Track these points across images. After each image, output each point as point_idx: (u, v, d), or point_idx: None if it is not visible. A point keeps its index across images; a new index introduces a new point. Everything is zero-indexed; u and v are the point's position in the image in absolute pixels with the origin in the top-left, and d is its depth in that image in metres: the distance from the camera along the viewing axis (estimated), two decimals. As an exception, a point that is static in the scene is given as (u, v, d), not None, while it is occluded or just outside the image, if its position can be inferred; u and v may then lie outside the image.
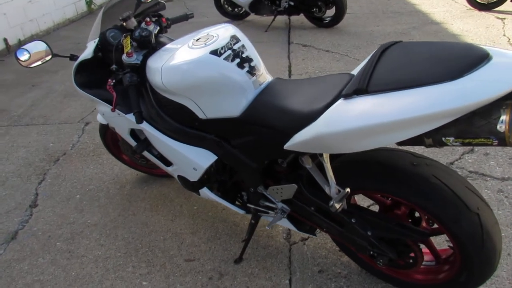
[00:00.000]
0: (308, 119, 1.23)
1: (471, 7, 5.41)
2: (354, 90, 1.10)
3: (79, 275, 1.83)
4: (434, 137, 1.03)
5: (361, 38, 4.76)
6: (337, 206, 1.31)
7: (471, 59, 0.97)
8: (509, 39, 4.29)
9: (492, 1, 5.20)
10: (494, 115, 0.93)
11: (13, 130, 3.27)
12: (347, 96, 1.11)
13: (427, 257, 1.52)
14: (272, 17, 5.35)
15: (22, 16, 5.72)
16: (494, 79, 0.92)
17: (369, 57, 1.20)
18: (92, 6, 7.43)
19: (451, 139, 1.00)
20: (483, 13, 5.23)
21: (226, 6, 5.90)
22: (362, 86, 1.08)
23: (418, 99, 0.98)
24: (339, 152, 1.17)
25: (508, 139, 0.91)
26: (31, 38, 5.88)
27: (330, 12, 5.09)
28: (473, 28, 4.70)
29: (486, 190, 2.13)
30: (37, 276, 1.84)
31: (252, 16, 5.84)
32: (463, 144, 1.00)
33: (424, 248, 1.51)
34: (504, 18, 4.94)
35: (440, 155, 2.46)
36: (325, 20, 5.21)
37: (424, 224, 1.44)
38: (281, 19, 5.69)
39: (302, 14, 5.27)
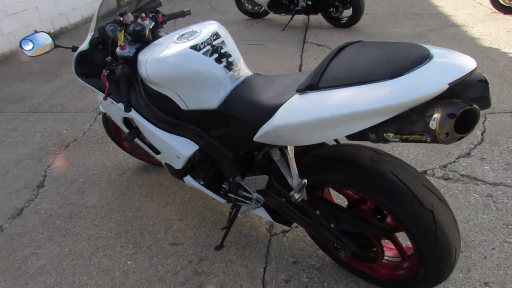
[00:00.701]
0: (271, 113, 1.29)
1: (496, 10, 5.26)
2: (307, 86, 1.16)
3: (72, 251, 1.97)
4: (377, 133, 1.08)
5: (377, 39, 4.73)
6: (297, 196, 1.37)
7: (413, 58, 1.02)
8: (530, 44, 4.16)
9: (518, 4, 5.05)
10: (429, 113, 0.97)
11: (32, 117, 3.48)
12: (301, 91, 1.18)
13: (393, 252, 1.56)
14: (290, 16, 5.41)
15: (53, 10, 6.02)
16: (430, 79, 0.96)
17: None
18: (121, 2, 7.69)
19: (391, 135, 1.05)
20: (507, 16, 5.07)
21: (246, 4, 5.99)
22: (314, 82, 1.14)
23: (361, 95, 1.04)
24: (293, 144, 1.23)
25: (438, 136, 0.95)
26: (61, 32, 6.19)
27: (348, 12, 5.08)
28: (493, 31, 4.58)
29: (474, 194, 2.12)
30: (34, 250, 2.00)
31: (272, 15, 5.91)
32: (402, 140, 1.04)
33: (390, 244, 1.55)
34: (529, 23, 4.79)
35: (434, 157, 2.46)
36: (343, 20, 5.21)
37: (389, 220, 1.48)
38: (300, 18, 5.72)
39: (320, 14, 5.29)
